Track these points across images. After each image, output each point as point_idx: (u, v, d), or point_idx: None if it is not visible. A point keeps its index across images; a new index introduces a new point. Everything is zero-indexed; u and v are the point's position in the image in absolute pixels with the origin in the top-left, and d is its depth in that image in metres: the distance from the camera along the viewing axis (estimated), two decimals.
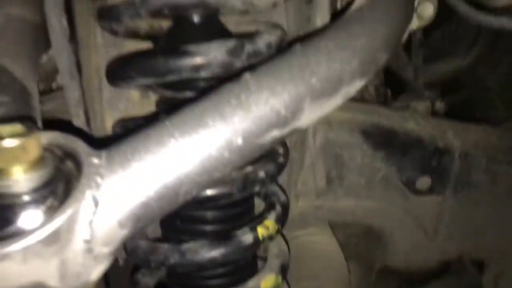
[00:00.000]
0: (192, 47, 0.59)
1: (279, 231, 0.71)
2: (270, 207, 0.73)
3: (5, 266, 0.36)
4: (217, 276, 0.71)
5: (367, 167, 0.98)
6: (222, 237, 0.66)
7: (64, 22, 0.65)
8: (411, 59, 1.16)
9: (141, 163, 0.42)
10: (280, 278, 0.72)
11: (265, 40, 0.62)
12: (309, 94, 0.48)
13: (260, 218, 0.70)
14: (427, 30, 1.31)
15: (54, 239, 0.37)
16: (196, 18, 0.65)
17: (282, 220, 0.72)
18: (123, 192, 0.41)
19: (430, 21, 1.01)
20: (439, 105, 1.35)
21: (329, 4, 0.70)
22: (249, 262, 0.74)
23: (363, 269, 1.18)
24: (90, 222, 0.40)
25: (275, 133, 0.48)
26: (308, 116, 0.50)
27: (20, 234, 0.37)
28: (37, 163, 0.40)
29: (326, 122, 0.94)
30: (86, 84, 0.74)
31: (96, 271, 0.42)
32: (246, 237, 0.66)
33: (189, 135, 0.44)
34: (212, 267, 0.66)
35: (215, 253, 0.64)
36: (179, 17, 0.65)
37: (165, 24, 0.73)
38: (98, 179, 0.41)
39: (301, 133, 0.86)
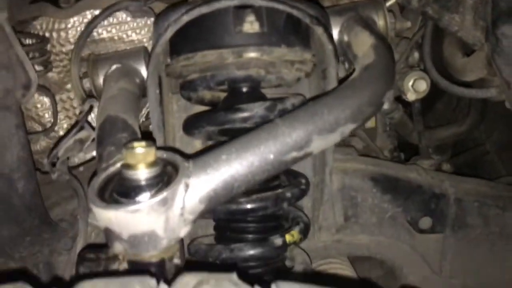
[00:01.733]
0: (242, 106, 0.90)
1: (302, 240, 0.96)
2: (295, 224, 0.98)
3: (137, 216, 0.64)
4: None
5: (377, 207, 1.21)
6: (260, 240, 0.92)
7: (157, 92, 0.97)
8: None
9: (213, 167, 0.71)
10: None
11: (291, 102, 0.92)
12: (316, 130, 0.76)
13: (288, 230, 0.95)
14: (432, 101, 1.59)
15: (164, 202, 0.65)
16: (244, 89, 0.96)
17: (304, 232, 0.97)
18: (202, 182, 0.69)
19: (425, 94, 1.30)
20: (446, 166, 1.58)
21: (337, 79, 0.99)
22: (279, 266, 0.98)
23: None
24: (183, 197, 0.67)
25: (294, 154, 0.75)
26: (316, 145, 0.77)
27: (144, 200, 0.65)
28: (152, 164, 0.69)
29: (342, 170, 1.20)
30: (166, 136, 1.05)
31: (183, 231, 0.69)
32: (277, 241, 0.91)
33: (242, 151, 0.72)
34: (253, 261, 0.91)
35: (254, 250, 0.90)
36: (233, 88, 0.97)
37: (222, 95, 1.05)
38: (188, 173, 0.69)
39: (320, 178, 1.12)
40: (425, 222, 1.23)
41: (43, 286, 0.46)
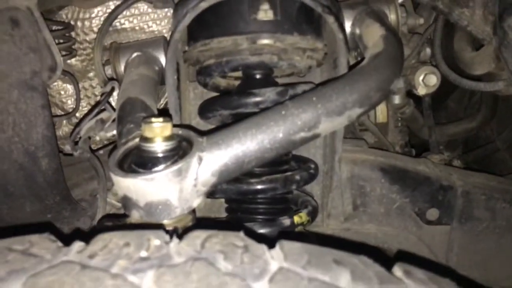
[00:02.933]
0: (254, 91, 0.94)
1: (309, 222, 0.99)
2: (304, 207, 1.02)
3: (153, 184, 0.69)
4: None
5: (385, 198, 1.23)
6: (269, 220, 0.96)
7: (175, 77, 1.02)
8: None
9: (225, 143, 0.75)
10: None
11: (302, 88, 0.96)
12: (324, 113, 0.80)
13: (296, 211, 0.99)
14: (443, 98, 1.61)
15: (178, 173, 0.70)
16: (257, 75, 1.00)
17: (312, 215, 1.00)
18: (215, 157, 0.74)
19: (435, 89, 1.33)
20: (456, 163, 1.60)
21: (348, 68, 1.03)
22: None
23: None
24: (197, 169, 0.72)
25: (303, 134, 0.79)
26: (324, 127, 0.81)
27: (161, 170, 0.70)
28: (168, 138, 0.74)
29: (352, 160, 1.23)
30: (183, 121, 1.10)
31: (196, 201, 0.74)
32: (285, 221, 0.95)
33: (253, 130, 0.76)
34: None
35: (263, 229, 0.94)
36: (247, 74, 1.01)
37: (236, 83, 1.09)
38: (202, 148, 0.74)
39: (329, 165, 1.15)
40: (432, 213, 1.25)
41: (66, 237, 0.51)
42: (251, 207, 1.00)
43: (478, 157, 1.62)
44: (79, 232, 0.53)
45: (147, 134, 0.73)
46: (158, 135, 0.73)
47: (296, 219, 0.96)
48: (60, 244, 0.51)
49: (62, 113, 1.42)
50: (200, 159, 0.73)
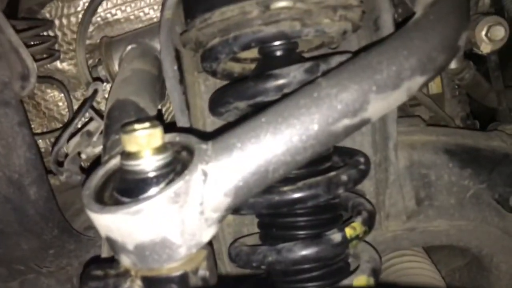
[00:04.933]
0: (275, 72, 0.72)
1: (366, 233, 0.76)
2: (357, 213, 0.79)
3: (141, 218, 0.48)
4: (313, 278, 0.77)
5: (455, 186, 1.00)
6: (313, 236, 0.74)
7: (175, 68, 0.81)
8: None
9: (238, 147, 0.53)
10: (372, 280, 0.77)
11: (337, 60, 0.72)
12: (374, 88, 0.57)
13: (347, 221, 0.76)
14: (508, 56, 1.34)
15: (175, 199, 0.49)
16: (278, 52, 0.78)
17: (369, 223, 0.77)
18: (226, 168, 0.52)
19: (503, 44, 1.07)
20: None
21: (394, 30, 0.79)
22: (341, 266, 0.80)
23: None
24: (202, 189, 0.51)
25: (346, 122, 0.57)
26: (375, 108, 0.58)
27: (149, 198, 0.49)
28: (159, 149, 0.53)
29: (409, 144, 0.99)
30: (193, 121, 0.89)
31: (207, 234, 0.52)
32: (335, 236, 0.73)
33: (276, 124, 0.54)
34: (305, 263, 0.73)
35: (307, 250, 0.72)
36: (264, 52, 0.79)
37: (254, 65, 0.87)
38: (207, 158, 0.52)
39: (383, 155, 0.92)
40: None
41: None
42: (288, 221, 0.78)
43: None
44: None
45: (129, 147, 0.52)
46: (145, 146, 0.52)
47: (349, 231, 0.74)
48: None
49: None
50: (205, 174, 0.51)
